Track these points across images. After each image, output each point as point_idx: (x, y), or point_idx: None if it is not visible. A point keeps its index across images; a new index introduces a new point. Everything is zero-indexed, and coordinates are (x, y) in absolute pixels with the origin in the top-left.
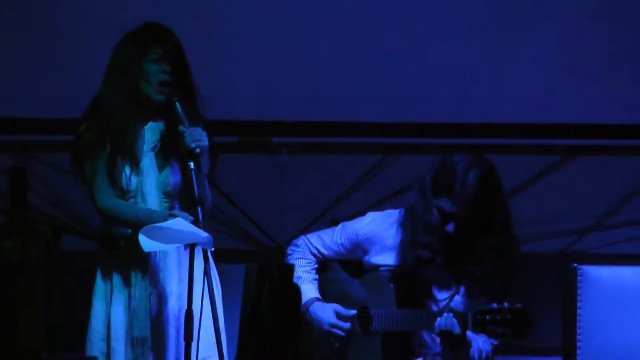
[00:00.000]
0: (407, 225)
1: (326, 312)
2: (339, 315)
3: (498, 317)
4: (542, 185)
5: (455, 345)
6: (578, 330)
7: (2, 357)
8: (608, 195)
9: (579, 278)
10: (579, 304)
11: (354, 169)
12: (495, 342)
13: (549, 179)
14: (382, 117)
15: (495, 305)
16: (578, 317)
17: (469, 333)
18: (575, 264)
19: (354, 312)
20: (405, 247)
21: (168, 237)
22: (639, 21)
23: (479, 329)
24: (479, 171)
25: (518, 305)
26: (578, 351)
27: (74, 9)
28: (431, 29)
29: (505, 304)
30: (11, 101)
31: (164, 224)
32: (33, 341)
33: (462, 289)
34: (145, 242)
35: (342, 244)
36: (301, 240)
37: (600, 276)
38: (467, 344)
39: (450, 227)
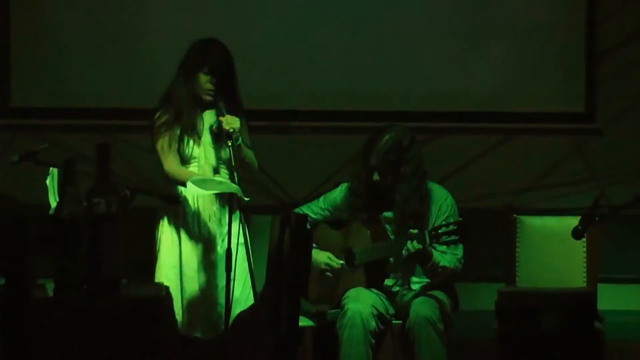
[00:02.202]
0: (352, 187)
1: (321, 256)
2: (331, 258)
3: (447, 229)
4: (492, 157)
5: (424, 259)
6: (516, 263)
7: (91, 284)
8: (540, 165)
9: (517, 225)
10: (517, 244)
11: (352, 146)
12: (460, 255)
13: (496, 152)
14: (372, 107)
15: (443, 222)
16: (516, 254)
17: (435, 255)
18: (515, 215)
19: (342, 262)
20: (350, 201)
21: (209, 185)
22: (559, 39)
23: (435, 241)
24: (388, 135)
25: (460, 219)
26: (517, 278)
27: (142, 22)
28: (413, 42)
29: (451, 220)
30: (98, 95)
31: (208, 177)
32: (114, 273)
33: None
34: (192, 188)
35: (326, 209)
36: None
37: (533, 224)
38: (428, 255)
39: (374, 176)
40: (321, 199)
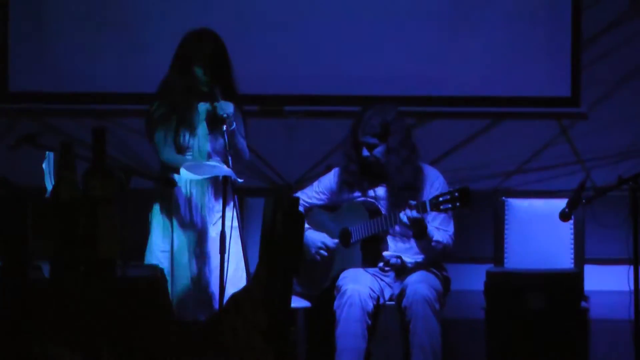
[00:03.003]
0: (344, 166)
1: (317, 236)
2: (326, 238)
3: (448, 197)
4: (480, 141)
5: (420, 230)
6: (505, 245)
7: (87, 265)
8: (526, 148)
9: (505, 207)
10: (505, 226)
11: (344, 129)
12: (451, 231)
13: (483, 136)
14: (364, 91)
15: (444, 190)
16: (505, 235)
17: (429, 229)
18: (503, 198)
19: (336, 241)
20: (342, 176)
21: (203, 170)
22: (545, 26)
23: (436, 208)
24: (371, 111)
25: (461, 187)
26: (505, 260)
27: (138, 9)
28: (403, 28)
29: (451, 188)
30: (94, 80)
31: (201, 162)
32: (110, 253)
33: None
34: (185, 174)
35: (322, 192)
36: None
37: (520, 206)
38: (424, 227)
39: (364, 152)
40: (315, 183)
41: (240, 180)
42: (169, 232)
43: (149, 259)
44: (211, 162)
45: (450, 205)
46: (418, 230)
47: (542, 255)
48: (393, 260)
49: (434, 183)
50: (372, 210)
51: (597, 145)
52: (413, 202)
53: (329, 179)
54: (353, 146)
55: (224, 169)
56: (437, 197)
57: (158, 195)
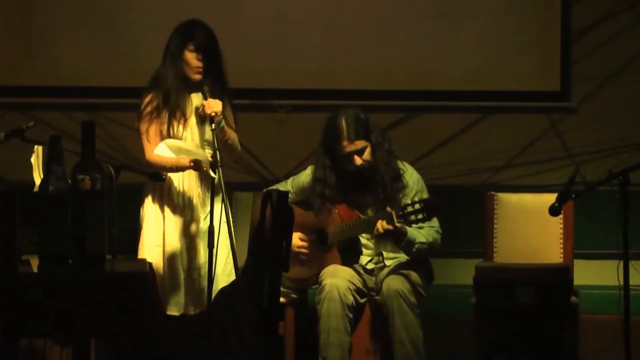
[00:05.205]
0: (313, 187)
1: (293, 238)
2: (301, 239)
3: (412, 208)
4: (469, 135)
5: (398, 237)
6: (494, 239)
7: (76, 259)
8: (516, 142)
9: (494, 202)
10: (495, 220)
11: None
12: (436, 226)
13: (473, 130)
14: (353, 85)
15: (409, 202)
16: (494, 230)
17: (410, 233)
18: (493, 192)
19: (312, 239)
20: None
21: (182, 154)
22: (535, 20)
23: (403, 220)
24: (343, 118)
25: (424, 197)
26: (494, 253)
27: (128, 2)
28: (391, 21)
29: (419, 195)
30: (84, 73)
31: (184, 146)
32: (99, 248)
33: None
34: (163, 149)
35: (296, 192)
36: None
37: (510, 200)
38: (402, 234)
39: (357, 161)
40: (289, 181)
41: (213, 175)
42: (160, 224)
43: (142, 254)
44: (191, 148)
45: (417, 217)
46: (396, 238)
47: (532, 250)
48: (372, 261)
49: (409, 182)
50: (349, 214)
51: (587, 140)
52: (379, 214)
53: (302, 179)
54: (332, 166)
55: (200, 154)
56: (402, 208)
57: (149, 188)
